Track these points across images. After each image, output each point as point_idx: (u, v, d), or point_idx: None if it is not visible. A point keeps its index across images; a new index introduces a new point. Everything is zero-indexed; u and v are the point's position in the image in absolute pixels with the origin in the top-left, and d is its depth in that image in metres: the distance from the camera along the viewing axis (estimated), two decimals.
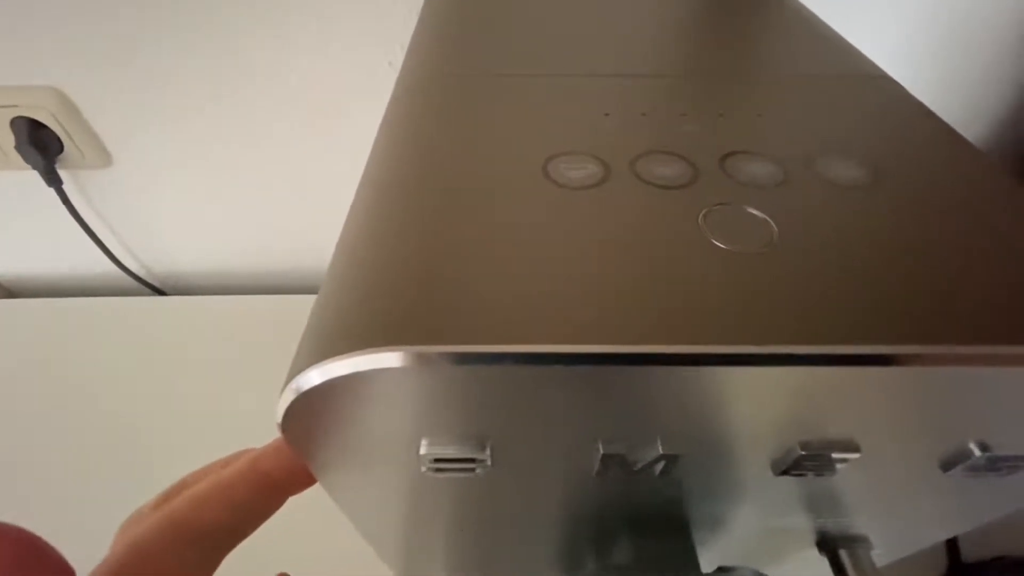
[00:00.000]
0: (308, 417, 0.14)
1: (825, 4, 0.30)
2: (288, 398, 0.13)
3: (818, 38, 0.26)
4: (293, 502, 0.18)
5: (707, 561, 0.25)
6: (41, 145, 0.54)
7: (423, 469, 0.16)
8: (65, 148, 0.56)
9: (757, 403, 0.14)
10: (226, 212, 0.65)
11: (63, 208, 0.58)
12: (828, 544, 0.23)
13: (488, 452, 0.15)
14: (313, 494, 0.18)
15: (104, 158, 0.58)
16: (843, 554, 0.22)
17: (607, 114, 0.19)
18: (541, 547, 0.23)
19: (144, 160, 0.59)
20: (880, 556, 0.24)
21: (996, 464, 0.16)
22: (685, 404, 0.14)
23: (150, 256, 0.69)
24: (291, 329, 0.16)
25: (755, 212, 0.15)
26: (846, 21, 0.28)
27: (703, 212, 0.15)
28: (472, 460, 0.15)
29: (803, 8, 0.29)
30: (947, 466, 0.16)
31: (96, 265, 0.65)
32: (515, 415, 0.14)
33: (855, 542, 0.23)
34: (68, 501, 0.46)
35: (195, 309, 0.65)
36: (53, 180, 0.57)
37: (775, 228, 0.15)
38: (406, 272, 0.14)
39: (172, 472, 0.19)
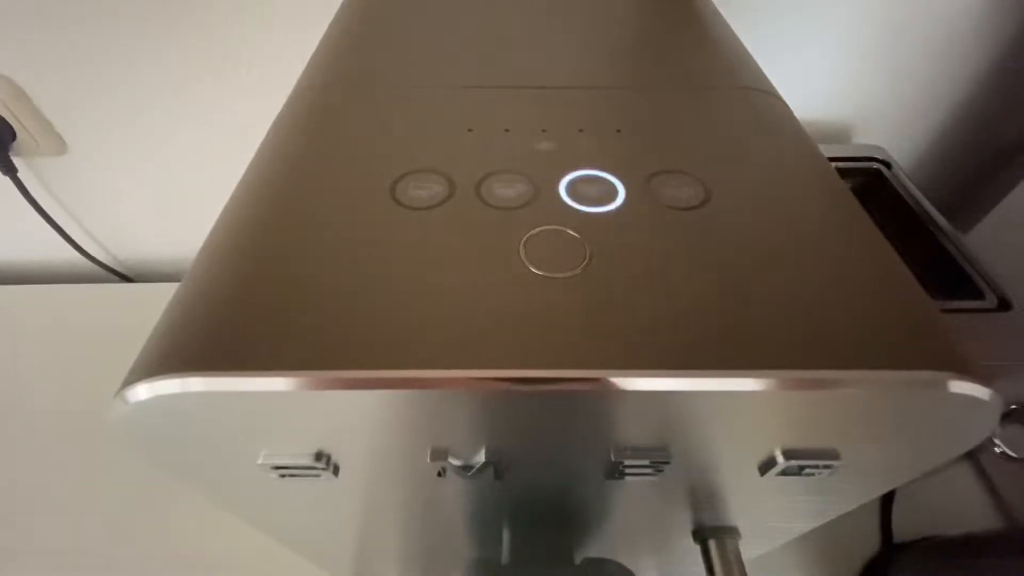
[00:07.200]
0: (141, 425, 0.15)
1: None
2: (117, 408, 0.14)
3: (718, 49, 0.26)
4: None
5: (596, 552, 0.26)
6: None
7: (270, 476, 0.17)
8: (17, 136, 0.56)
9: (567, 419, 0.15)
10: (188, 198, 0.65)
11: (20, 196, 0.59)
12: (701, 534, 0.24)
13: (325, 462, 0.16)
14: None
15: (59, 145, 0.58)
16: (711, 544, 0.24)
17: (471, 129, 0.20)
18: (426, 539, 0.24)
19: (100, 147, 0.59)
20: (753, 546, 0.25)
21: (803, 469, 0.17)
22: (491, 420, 0.15)
23: (114, 243, 0.70)
24: None
25: (574, 235, 0.16)
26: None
27: (526, 236, 0.16)
28: (314, 467, 0.16)
29: (714, 17, 0.29)
30: (763, 471, 0.17)
31: (59, 253, 0.65)
32: (338, 429, 0.15)
33: (725, 533, 0.24)
34: (35, 493, 0.46)
35: (162, 295, 0.65)
36: (8, 168, 0.57)
37: (588, 253, 0.15)
38: (222, 295, 0.15)
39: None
